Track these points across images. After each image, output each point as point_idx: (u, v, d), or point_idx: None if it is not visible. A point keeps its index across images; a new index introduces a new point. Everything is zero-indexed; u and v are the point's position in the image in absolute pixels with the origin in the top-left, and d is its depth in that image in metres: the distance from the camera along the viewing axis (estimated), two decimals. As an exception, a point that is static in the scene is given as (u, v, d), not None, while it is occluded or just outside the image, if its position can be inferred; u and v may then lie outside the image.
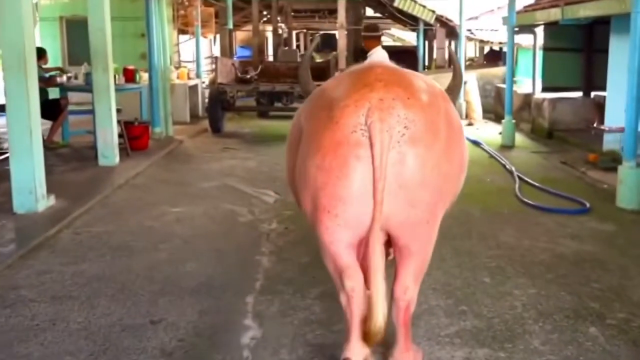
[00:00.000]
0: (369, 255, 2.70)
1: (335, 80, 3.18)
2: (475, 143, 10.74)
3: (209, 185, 7.61)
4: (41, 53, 9.80)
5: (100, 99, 8.25)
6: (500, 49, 20.27)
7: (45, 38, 18.40)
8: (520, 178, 7.90)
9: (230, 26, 19.65)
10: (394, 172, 2.62)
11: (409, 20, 20.52)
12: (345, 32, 25.66)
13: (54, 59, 17.93)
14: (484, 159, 9.56)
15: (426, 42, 20.72)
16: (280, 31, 39.76)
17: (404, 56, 23.49)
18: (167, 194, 7.17)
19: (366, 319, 2.79)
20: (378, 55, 6.81)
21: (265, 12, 31.87)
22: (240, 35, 38.10)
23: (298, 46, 40.69)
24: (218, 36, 23.98)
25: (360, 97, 2.70)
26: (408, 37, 34.21)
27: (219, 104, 11.73)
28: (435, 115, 2.78)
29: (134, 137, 9.57)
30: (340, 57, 19.64)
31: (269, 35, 33.44)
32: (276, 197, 7.01)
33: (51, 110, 9.70)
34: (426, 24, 19.07)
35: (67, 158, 9.09)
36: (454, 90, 3.68)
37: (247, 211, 6.45)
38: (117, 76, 9.94)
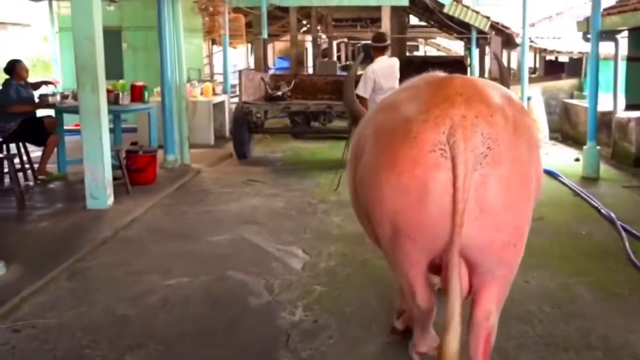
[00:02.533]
0: (448, 280, 2.52)
1: (406, 91, 2.84)
2: (552, 174, 8.82)
3: (220, 240, 5.89)
4: (11, 66, 8.19)
5: (87, 125, 6.62)
6: (556, 58, 18.29)
7: (64, 49, 17.07)
8: (626, 230, 6.00)
9: (265, 36, 18.09)
10: (476, 196, 2.43)
11: (460, 28, 18.70)
12: (363, 42, 23.83)
13: (73, 75, 16.61)
14: (566, 198, 7.65)
15: (478, 52, 18.86)
16: (320, 41, 38.40)
17: (450, 67, 21.61)
18: (162, 254, 5.47)
19: (440, 345, 2.59)
20: (381, 63, 7.47)
21: (304, 22, 30.40)
22: (279, 45, 36.77)
23: (339, 57, 39.06)
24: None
25: (441, 113, 2.51)
26: (455, 47, 32.28)
27: (245, 126, 10.03)
28: (517, 133, 2.57)
29: (138, 169, 7.93)
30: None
31: (309, 46, 32.09)
32: (305, 260, 5.26)
33: (35, 133, 8.14)
34: (479, 31, 17.20)
35: (53, 196, 7.50)
36: None
37: (263, 286, 4.70)
38: (122, 94, 8.34)
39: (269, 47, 37.99)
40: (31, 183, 8.20)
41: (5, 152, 7.96)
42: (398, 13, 24.98)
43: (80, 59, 6.51)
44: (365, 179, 2.79)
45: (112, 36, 15.31)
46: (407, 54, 35.08)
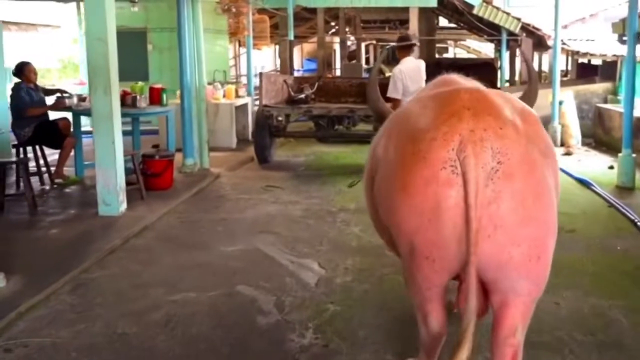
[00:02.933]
0: (466, 299, 2.42)
1: (416, 104, 2.84)
2: (584, 183, 8.42)
3: (233, 251, 5.63)
4: (20, 68, 8.05)
5: (99, 129, 6.41)
6: (589, 61, 17.74)
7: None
8: (666, 246, 5.62)
9: (291, 37, 17.84)
10: (489, 213, 2.37)
11: (490, 30, 18.25)
12: (391, 44, 23.52)
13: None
14: (600, 209, 7.25)
15: (508, 54, 18.41)
16: (348, 43, 38.07)
17: (479, 70, 21.23)
18: (171, 265, 5.23)
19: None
20: (408, 64, 7.30)
21: (332, 23, 30.10)
22: (307, 47, 36.55)
23: (367, 59, 38.73)
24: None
25: (449, 129, 2.46)
26: (485, 49, 31.73)
27: (266, 130, 9.78)
28: (530, 143, 2.51)
29: (154, 174, 7.73)
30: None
31: (338, 47, 31.79)
32: (320, 275, 4.97)
33: (50, 136, 8.00)
34: (510, 33, 16.74)
35: (66, 201, 7.32)
36: (528, 99, 3.44)
37: (273, 303, 4.42)
38: (139, 97, 8.14)
39: (297, 48, 37.87)
40: (47, 187, 8.06)
41: (21, 156, 7.83)
42: (427, 14, 24.55)
43: (92, 60, 6.30)
44: (382, 198, 2.78)
45: (137, 38, 15.24)
46: (437, 56, 34.69)
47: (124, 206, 6.62)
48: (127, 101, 8.16)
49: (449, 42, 33.43)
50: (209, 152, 9.35)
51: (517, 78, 19.24)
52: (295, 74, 14.95)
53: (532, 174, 2.46)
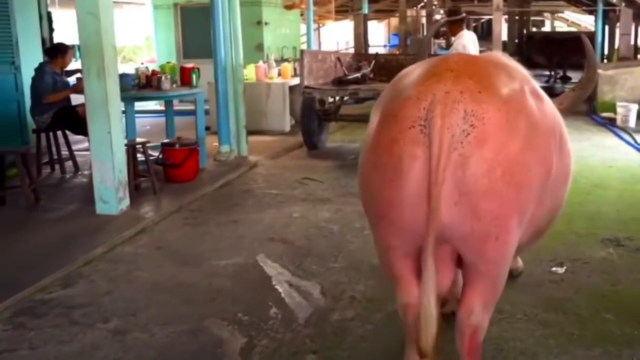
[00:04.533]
0: (422, 269, 2.32)
1: (410, 68, 2.70)
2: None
3: (227, 265, 4.71)
4: (61, 50, 7.45)
5: (94, 117, 5.62)
6: None
7: (158, 27, 16.54)
8: None
9: (365, 11, 16.79)
10: (455, 178, 2.25)
11: (587, 1, 16.44)
12: (505, 16, 21.79)
13: (168, 53, 15.99)
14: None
15: (607, 27, 16.54)
16: (438, 17, 36.45)
17: (574, 44, 19.34)
18: (145, 285, 4.38)
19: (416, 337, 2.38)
20: (468, 37, 6.83)
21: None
22: (394, 21, 35.09)
23: (459, 32, 36.87)
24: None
25: (425, 89, 2.39)
26: (585, 21, 29.27)
27: (314, 113, 8.79)
28: (514, 113, 2.36)
29: (174, 165, 6.92)
30: (495, 45, 16.16)
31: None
32: (317, 306, 3.98)
33: (71, 123, 7.35)
34: (607, 3, 14.93)
35: (75, 195, 6.60)
36: (585, 85, 3.45)
37: (240, 347, 3.48)
38: (164, 78, 7.32)
39: (384, 23, 36.48)
40: (68, 176, 7.44)
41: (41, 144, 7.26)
42: (520, -14, 22.80)
43: (83, 38, 5.49)
44: (359, 162, 2.67)
45: (203, 13, 14.59)
46: (534, 29, 32.42)
47: (125, 203, 5.84)
48: (152, 83, 7.39)
49: (545, 14, 31.11)
50: (247, 137, 8.47)
51: (614, 54, 17.29)
52: (382, 50, 13.87)
53: (509, 145, 2.29)
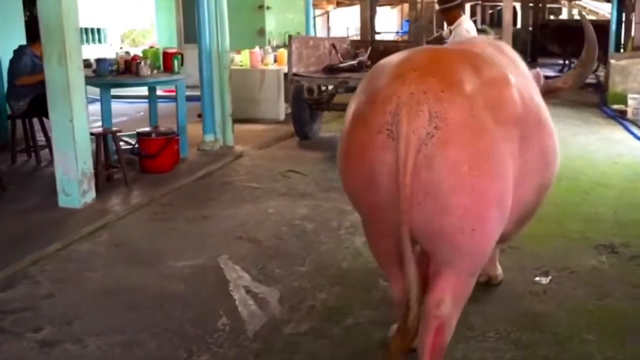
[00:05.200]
0: (403, 266, 2.40)
1: (383, 62, 2.65)
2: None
3: (184, 267, 4.37)
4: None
5: (55, 105, 5.29)
6: None
7: (160, 11, 16.24)
8: None
9: (372, -4, 16.28)
10: (420, 179, 2.27)
11: (603, -14, 15.85)
12: (518, 3, 21.20)
13: (169, 37, 15.65)
14: None
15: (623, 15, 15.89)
16: (453, 4, 35.54)
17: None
18: (92, 288, 4.05)
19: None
20: (470, 23, 6.38)
21: (432, -20, 28.02)
22: (407, 8, 34.46)
23: (475, 21, 36.15)
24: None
25: (390, 92, 2.36)
26: (604, 9, 28.51)
27: (304, 102, 8.41)
28: (479, 108, 2.32)
29: (150, 155, 6.58)
30: (505, 33, 15.66)
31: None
32: (271, 316, 3.63)
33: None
34: (624, -11, 14.38)
35: (42, 186, 6.25)
36: (585, 64, 3.48)
37: (185, 357, 3.15)
38: (143, 64, 6.96)
39: (397, 9, 35.86)
40: (43, 164, 7.14)
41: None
42: (535, -29, 22.17)
43: (44, 20, 5.15)
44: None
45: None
46: (552, 17, 31.69)
47: (90, 196, 5.52)
48: (132, 68, 7.04)
49: (562, 1, 30.36)
50: (234, 125, 8.12)
51: (629, 43, 16.68)
52: (395, 36, 13.41)
53: (475, 141, 2.31)
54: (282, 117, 10.24)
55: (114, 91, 7.58)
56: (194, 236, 4.99)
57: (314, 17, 21.01)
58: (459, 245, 2.38)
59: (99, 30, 22.55)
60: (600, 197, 5.94)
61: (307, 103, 8.40)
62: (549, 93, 3.39)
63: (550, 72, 19.74)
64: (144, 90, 11.09)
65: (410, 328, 2.48)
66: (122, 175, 6.20)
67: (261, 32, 14.03)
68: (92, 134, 5.90)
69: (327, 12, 21.87)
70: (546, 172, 2.79)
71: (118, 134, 6.27)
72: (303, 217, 5.43)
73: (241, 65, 10.52)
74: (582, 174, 6.79)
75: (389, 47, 9.40)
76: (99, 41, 22.52)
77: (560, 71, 19.56)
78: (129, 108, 11.63)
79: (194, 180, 6.60)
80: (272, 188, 6.37)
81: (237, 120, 9.75)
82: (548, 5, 28.95)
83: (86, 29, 21.70)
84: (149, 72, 7.00)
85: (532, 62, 21.84)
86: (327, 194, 6.11)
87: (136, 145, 6.66)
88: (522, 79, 2.77)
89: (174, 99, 8.63)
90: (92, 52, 16.36)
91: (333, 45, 9.02)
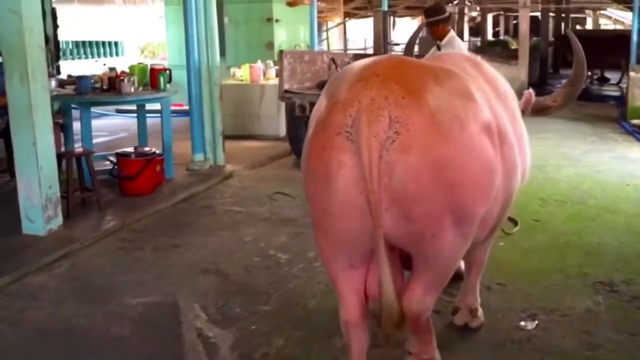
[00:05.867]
0: (379, 271, 2.43)
1: (348, 67, 2.67)
2: None
3: (140, 304, 4.02)
4: None
5: (18, 127, 4.99)
6: None
7: (170, 25, 16.00)
8: None
9: (385, 8, 15.95)
10: (383, 185, 2.27)
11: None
12: (535, 13, 20.67)
13: (179, 51, 15.40)
14: None
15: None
16: (474, 14, 35.19)
17: (613, 44, 18.30)
18: (34, 329, 3.73)
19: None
20: (459, 41, 6.01)
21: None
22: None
23: (497, 32, 35.58)
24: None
25: (353, 95, 2.37)
26: (629, 19, 27.80)
27: (301, 119, 8.04)
28: (440, 115, 2.33)
29: (128, 177, 6.27)
30: (521, 44, 15.25)
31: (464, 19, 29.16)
32: (219, 365, 3.26)
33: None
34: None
35: (13, 209, 5.98)
36: (574, 83, 3.55)
37: None
38: (126, 81, 6.67)
39: (418, 20, 35.44)
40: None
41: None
42: (557, -19, 21.68)
43: (4, 38, 4.87)
44: None
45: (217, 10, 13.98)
46: (578, 27, 31.02)
47: (56, 222, 5.21)
48: (115, 85, 6.75)
49: (587, 11, 29.70)
50: (225, 144, 7.78)
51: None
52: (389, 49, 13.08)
53: (435, 147, 2.29)
54: (282, 133, 9.86)
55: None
56: (157, 268, 4.65)
57: (327, 29, 20.77)
58: (424, 249, 2.45)
59: (116, 43, 22.46)
60: (606, 226, 5.48)
61: (302, 120, 8.03)
62: (540, 111, 3.52)
63: (571, 84, 19.22)
64: (155, 105, 10.92)
65: (386, 327, 2.55)
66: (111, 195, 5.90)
67: (270, 45, 13.72)
68: (62, 155, 5.61)
69: (343, 23, 21.55)
70: (507, 185, 2.72)
71: (92, 154, 5.96)
72: (279, 247, 5.06)
73: (241, 80, 10.22)
74: (590, 197, 6.33)
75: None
76: (116, 54, 22.45)
77: (582, 83, 19.02)
78: (131, 123, 11.33)
79: (174, 203, 6.26)
80: (255, 212, 6.01)
81: (235, 137, 9.53)
82: (572, 15, 28.32)
83: (103, 42, 21.78)
84: (131, 90, 6.68)
85: (553, 74, 21.30)
86: (306, 223, 5.72)
87: (115, 167, 6.35)
88: (487, 94, 2.73)
89: (182, 113, 8.32)
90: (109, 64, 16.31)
91: (333, 60, 8.67)
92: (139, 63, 7.61)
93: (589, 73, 18.48)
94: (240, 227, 5.59)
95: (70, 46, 20.84)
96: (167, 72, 7.12)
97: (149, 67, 7.30)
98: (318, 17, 13.04)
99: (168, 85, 7.07)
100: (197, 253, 4.94)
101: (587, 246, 4.97)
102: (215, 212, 6.05)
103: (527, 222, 5.41)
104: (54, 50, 12.69)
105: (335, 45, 22.88)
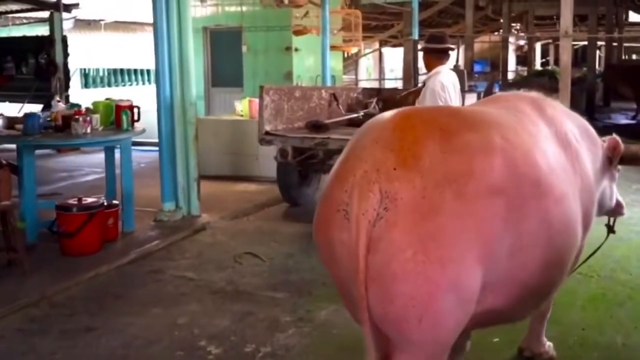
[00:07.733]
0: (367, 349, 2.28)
1: (369, 121, 2.59)
2: None
3: None
4: None
5: None
6: None
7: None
8: None
9: (416, 36, 14.99)
10: (367, 262, 2.15)
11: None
12: (581, 43, 19.40)
13: (197, 80, 14.72)
14: None
15: None
16: (522, 42, 33.92)
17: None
18: None
19: None
20: (448, 75, 5.13)
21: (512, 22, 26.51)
22: (478, 47, 32.83)
23: (547, 62, 34.18)
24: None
25: (350, 167, 2.29)
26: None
27: (291, 164, 7.04)
28: (433, 187, 2.17)
29: (67, 233, 5.37)
30: (563, 77, 13.98)
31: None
32: None
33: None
34: None
35: None
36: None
37: None
38: (81, 120, 5.81)
39: (462, 49, 34.36)
40: None
41: None
42: (608, 7, 20.46)
43: None
44: None
45: (232, 38, 13.28)
46: (635, 57, 29.47)
47: (-47, 295, 4.32)
48: (66, 125, 5.90)
49: (642, 40, 28.17)
50: (200, 191, 6.81)
51: None
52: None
53: (424, 223, 2.14)
54: (279, 174, 8.92)
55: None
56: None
57: (357, 58, 19.82)
58: (405, 334, 2.24)
59: (148, 71, 22.31)
60: (636, 315, 4.29)
61: (292, 165, 7.04)
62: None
63: (622, 119, 17.79)
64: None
65: None
66: (30, 260, 5.00)
67: (288, 75, 12.96)
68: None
69: (379, 50, 20.61)
70: (552, 244, 2.45)
71: (15, 208, 5.09)
72: (215, 335, 4.04)
73: (241, 116, 9.34)
74: (622, 271, 5.14)
75: (407, 97, 7.96)
76: (149, 82, 22.24)
77: (634, 117, 17.58)
78: (139, 157, 10.48)
79: (119, 266, 5.32)
80: (208, 281, 5.02)
81: (230, 178, 8.67)
82: (626, 45, 26.83)
83: (135, 70, 21.50)
84: (87, 130, 5.82)
85: (603, 107, 19.87)
86: (273, 293, 4.74)
87: (55, 221, 5.47)
88: (538, 140, 2.56)
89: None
90: (140, 92, 15.78)
91: (334, 95, 7.68)
92: (107, 99, 6.75)
93: (640, 107, 17.13)
94: (181, 302, 4.60)
95: (101, 73, 20.65)
96: (134, 109, 6.26)
97: (114, 103, 6.43)
98: (337, 47, 12.03)
99: (136, 124, 6.21)
100: (109, 342, 3.96)
101: (608, 348, 3.81)
102: (160, 280, 5.08)
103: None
104: (64, 79, 12.19)
105: (373, 74, 21.96)
